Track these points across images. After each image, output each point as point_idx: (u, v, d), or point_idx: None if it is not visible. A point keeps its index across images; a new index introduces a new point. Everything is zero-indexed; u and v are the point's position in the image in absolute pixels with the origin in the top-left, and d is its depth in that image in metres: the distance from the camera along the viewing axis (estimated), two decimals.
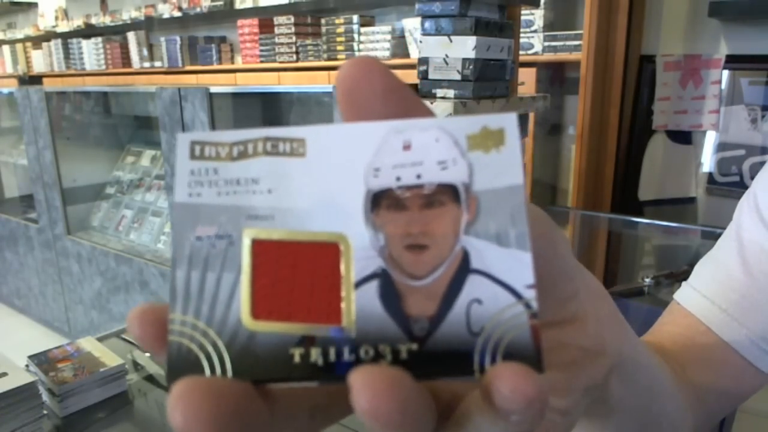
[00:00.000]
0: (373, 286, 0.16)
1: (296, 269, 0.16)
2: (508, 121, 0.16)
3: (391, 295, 0.16)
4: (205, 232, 0.16)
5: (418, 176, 0.16)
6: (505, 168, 0.16)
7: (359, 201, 0.16)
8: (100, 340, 1.21)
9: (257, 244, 0.16)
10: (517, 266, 0.16)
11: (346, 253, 0.16)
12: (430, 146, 0.16)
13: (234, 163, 0.17)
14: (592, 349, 0.21)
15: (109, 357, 1.09)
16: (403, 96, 0.17)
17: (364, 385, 0.13)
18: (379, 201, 0.16)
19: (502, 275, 0.16)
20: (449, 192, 0.16)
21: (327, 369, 0.15)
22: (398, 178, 0.16)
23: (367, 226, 0.16)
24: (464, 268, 0.16)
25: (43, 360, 1.07)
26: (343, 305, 0.16)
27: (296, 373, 0.15)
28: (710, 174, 1.89)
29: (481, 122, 0.16)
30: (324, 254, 0.16)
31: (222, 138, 0.17)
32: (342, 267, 0.16)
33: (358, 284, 0.16)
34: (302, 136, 0.17)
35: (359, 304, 0.16)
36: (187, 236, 0.16)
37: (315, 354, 0.15)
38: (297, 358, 0.15)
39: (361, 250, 0.16)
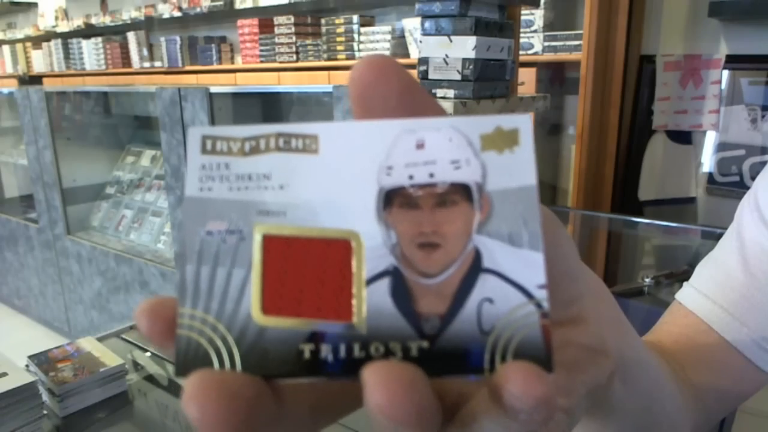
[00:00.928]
0: (384, 284, 0.16)
1: (307, 265, 0.16)
2: (523, 121, 0.16)
3: (402, 292, 0.16)
4: (216, 227, 0.16)
5: (431, 175, 0.16)
6: (518, 168, 0.16)
7: (372, 199, 0.16)
8: (100, 340, 1.21)
9: (268, 240, 0.16)
10: (529, 266, 0.16)
11: (358, 250, 0.16)
12: (444, 145, 0.16)
13: (246, 158, 0.17)
14: (595, 349, 0.21)
15: (109, 357, 1.09)
16: (417, 96, 0.17)
17: (380, 382, 0.13)
18: (392, 199, 0.16)
19: (514, 275, 0.16)
20: (462, 191, 0.16)
21: (336, 365, 0.15)
22: (411, 177, 0.16)
23: (380, 224, 0.16)
24: (476, 268, 0.16)
25: (43, 360, 1.07)
26: (354, 302, 0.16)
27: (306, 369, 0.15)
28: (710, 174, 1.89)
29: (495, 122, 0.16)
30: (335, 251, 0.16)
31: (234, 133, 0.17)
32: (353, 264, 0.16)
33: (370, 281, 0.16)
34: (315, 132, 0.17)
35: (370, 301, 0.16)
36: (198, 231, 0.16)
37: (325, 350, 0.15)
38: (307, 354, 0.15)
39: (373, 248, 0.16)
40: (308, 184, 0.16)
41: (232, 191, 0.16)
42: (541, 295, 0.15)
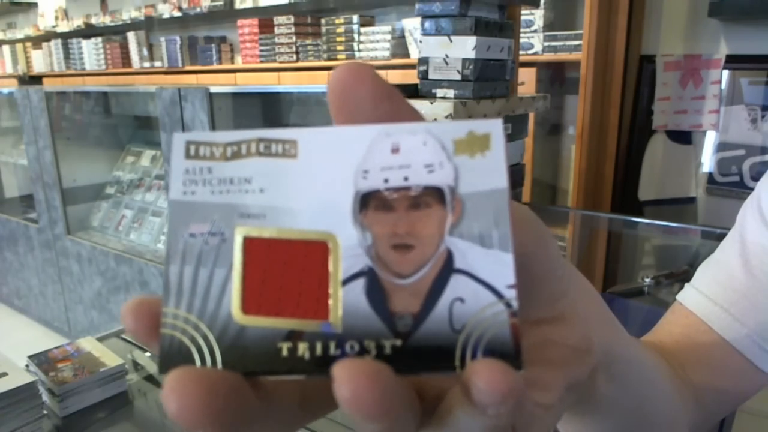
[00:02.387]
0: (359, 284, 0.16)
1: (286, 266, 0.16)
2: (494, 126, 0.17)
3: (376, 292, 0.16)
4: (199, 229, 0.17)
5: (406, 178, 0.17)
6: (489, 172, 0.17)
7: (348, 201, 0.17)
8: (100, 340, 1.21)
9: (248, 242, 0.17)
10: (498, 266, 0.16)
11: (335, 252, 0.16)
12: (418, 150, 0.17)
13: (228, 163, 0.17)
14: (579, 347, 0.21)
15: (109, 357, 1.09)
16: (393, 101, 0.18)
17: (346, 377, 0.14)
18: (368, 202, 0.17)
19: (484, 275, 0.16)
20: (435, 194, 0.17)
21: (313, 363, 0.16)
22: (386, 180, 0.17)
23: (355, 226, 0.16)
24: (448, 268, 0.16)
25: (43, 360, 1.07)
26: (330, 302, 0.16)
27: (284, 367, 0.16)
28: (710, 174, 1.89)
29: (467, 127, 0.17)
30: (313, 252, 0.16)
31: (216, 138, 0.17)
32: (330, 265, 0.16)
33: (346, 282, 0.16)
34: (294, 137, 0.17)
35: (346, 300, 0.16)
36: (181, 233, 0.17)
37: (302, 348, 0.16)
38: (285, 352, 0.16)
39: (349, 249, 0.16)
40: (287, 187, 0.17)
41: (214, 195, 0.17)
42: (511, 294, 0.16)
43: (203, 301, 0.16)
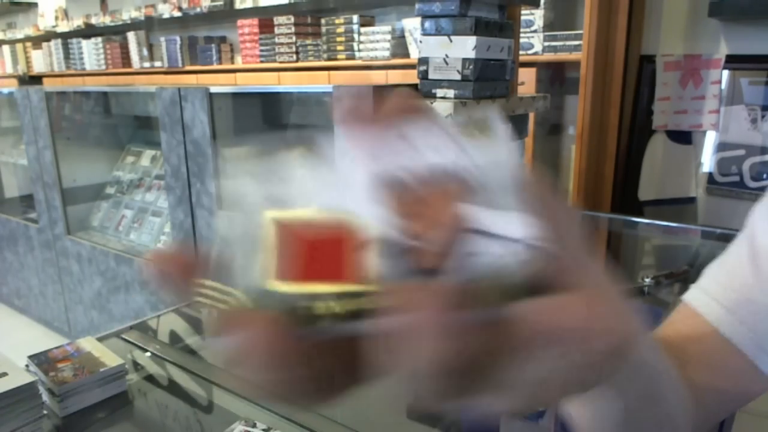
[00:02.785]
0: (380, 253, 0.18)
1: (312, 243, 0.18)
2: (491, 111, 0.20)
3: (395, 258, 0.18)
4: (235, 215, 0.20)
5: (416, 159, 0.19)
6: (492, 147, 0.19)
7: (365, 183, 0.19)
8: (100, 340, 1.21)
9: (278, 224, 0.19)
10: (508, 223, 0.18)
11: (356, 227, 0.18)
12: (425, 135, 0.19)
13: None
14: (595, 328, 0.21)
15: (109, 357, 1.09)
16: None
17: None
18: (384, 182, 0.19)
19: (496, 231, 0.18)
20: (444, 170, 0.19)
21: (345, 318, 0.18)
22: (399, 162, 0.19)
23: (373, 203, 0.19)
24: (462, 230, 0.18)
25: (43, 360, 1.07)
26: (354, 269, 0.18)
27: (312, 325, 0.18)
28: (710, 174, 1.89)
29: (467, 114, 0.19)
30: (336, 229, 0.19)
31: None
32: (351, 238, 0.18)
33: (368, 251, 0.18)
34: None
35: (370, 266, 0.18)
36: (222, 220, 0.20)
37: (328, 309, 0.18)
38: (315, 312, 0.18)
39: (369, 223, 0.18)
40: (312, 177, 0.20)
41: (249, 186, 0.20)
42: (523, 244, 0.18)
43: (239, 274, 0.19)
